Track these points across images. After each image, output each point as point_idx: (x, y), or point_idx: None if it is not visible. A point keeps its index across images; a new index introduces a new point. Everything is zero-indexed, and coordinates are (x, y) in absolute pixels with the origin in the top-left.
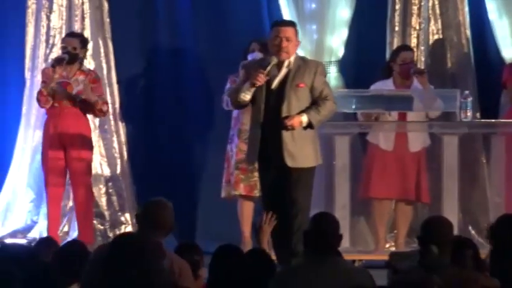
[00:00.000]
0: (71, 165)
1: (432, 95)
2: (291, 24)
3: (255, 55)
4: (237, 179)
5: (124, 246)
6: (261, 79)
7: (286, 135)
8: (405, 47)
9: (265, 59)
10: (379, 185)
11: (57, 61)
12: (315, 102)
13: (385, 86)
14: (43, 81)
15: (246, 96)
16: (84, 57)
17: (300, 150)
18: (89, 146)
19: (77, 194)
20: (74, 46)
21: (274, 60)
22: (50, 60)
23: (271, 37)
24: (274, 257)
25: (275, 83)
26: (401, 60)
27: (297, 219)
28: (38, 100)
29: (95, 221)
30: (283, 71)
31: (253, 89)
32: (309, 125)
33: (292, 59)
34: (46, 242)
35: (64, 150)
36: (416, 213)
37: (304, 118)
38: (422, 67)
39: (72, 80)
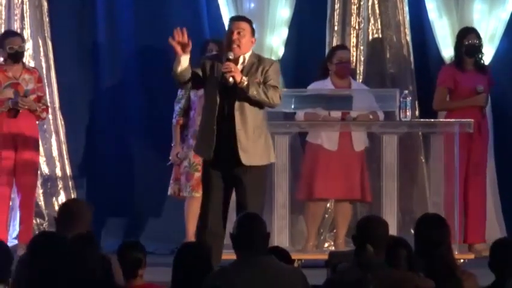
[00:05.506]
0: (20, 166)
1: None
2: (245, 19)
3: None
4: (198, 180)
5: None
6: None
7: (240, 132)
8: (341, 46)
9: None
10: (323, 185)
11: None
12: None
13: (323, 86)
14: None
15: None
16: None
17: (254, 147)
18: (38, 148)
19: (23, 195)
20: (21, 45)
21: (231, 56)
22: None
23: (226, 32)
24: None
25: (230, 79)
26: (338, 59)
27: None
28: None
29: (34, 221)
30: (238, 67)
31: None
32: (245, 88)
33: (247, 56)
34: None
35: (15, 150)
36: (356, 212)
37: (245, 79)
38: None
39: (20, 80)
